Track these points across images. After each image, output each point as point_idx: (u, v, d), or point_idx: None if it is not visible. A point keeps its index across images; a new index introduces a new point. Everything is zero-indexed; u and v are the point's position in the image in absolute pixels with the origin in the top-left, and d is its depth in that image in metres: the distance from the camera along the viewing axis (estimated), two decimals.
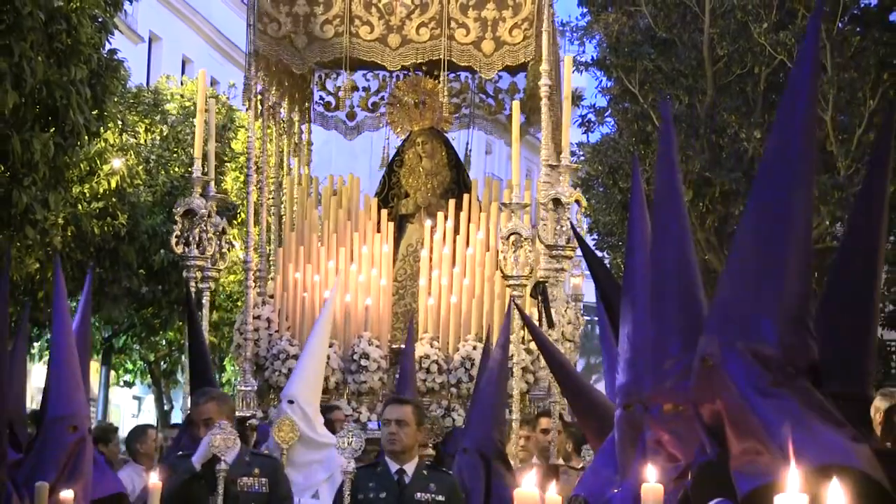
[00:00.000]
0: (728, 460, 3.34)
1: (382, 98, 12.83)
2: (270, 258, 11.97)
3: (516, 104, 10.81)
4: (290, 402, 7.99)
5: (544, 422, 9.10)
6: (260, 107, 11.44)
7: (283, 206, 12.16)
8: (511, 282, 9.98)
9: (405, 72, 12.21)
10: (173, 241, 10.60)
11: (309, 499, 7.75)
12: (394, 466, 7.12)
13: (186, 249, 10.51)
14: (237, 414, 9.09)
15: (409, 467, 7.11)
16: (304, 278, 11.27)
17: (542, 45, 10.59)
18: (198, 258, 10.49)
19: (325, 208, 11.82)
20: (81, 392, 6.12)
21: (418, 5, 10.86)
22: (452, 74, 12.43)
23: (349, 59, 10.98)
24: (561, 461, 8.75)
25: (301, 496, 7.55)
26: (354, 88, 12.65)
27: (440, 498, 7.07)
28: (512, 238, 9.99)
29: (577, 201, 10.07)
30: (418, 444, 7.29)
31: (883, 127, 4.40)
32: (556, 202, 9.95)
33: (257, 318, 11.16)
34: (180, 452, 7.43)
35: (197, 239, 10.50)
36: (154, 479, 5.45)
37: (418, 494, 7.03)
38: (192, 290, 10.67)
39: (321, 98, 12.90)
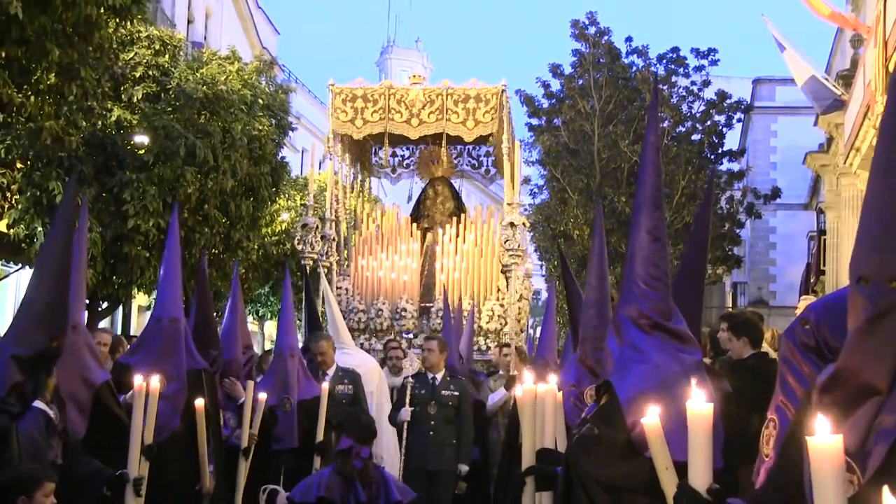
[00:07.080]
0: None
1: (412, 161, 12.32)
2: (346, 254, 11.47)
3: (506, 164, 10.41)
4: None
5: (505, 350, 8.68)
6: (337, 167, 10.95)
7: (352, 224, 11.67)
8: (504, 270, 10.18)
9: (425, 144, 11.83)
10: (296, 241, 10.41)
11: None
12: (430, 375, 6.86)
13: (303, 248, 10.33)
14: None
15: (439, 376, 6.79)
16: (367, 264, 10.83)
17: (503, 123, 10.53)
18: (310, 253, 10.33)
19: (379, 224, 11.46)
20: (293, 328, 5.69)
21: (428, 101, 10.53)
22: (456, 147, 12.24)
23: (389, 134, 10.72)
24: (515, 373, 7.65)
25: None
26: (394, 155, 12.29)
27: (456, 393, 6.73)
28: (508, 244, 9.97)
29: (523, 224, 10.01)
30: (443, 361, 6.90)
31: (707, 189, 4.88)
32: (512, 224, 9.93)
33: (339, 288, 10.64)
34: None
35: (310, 242, 10.34)
36: (325, 385, 5.13)
37: (443, 392, 6.68)
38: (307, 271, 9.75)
39: (375, 161, 12.44)
